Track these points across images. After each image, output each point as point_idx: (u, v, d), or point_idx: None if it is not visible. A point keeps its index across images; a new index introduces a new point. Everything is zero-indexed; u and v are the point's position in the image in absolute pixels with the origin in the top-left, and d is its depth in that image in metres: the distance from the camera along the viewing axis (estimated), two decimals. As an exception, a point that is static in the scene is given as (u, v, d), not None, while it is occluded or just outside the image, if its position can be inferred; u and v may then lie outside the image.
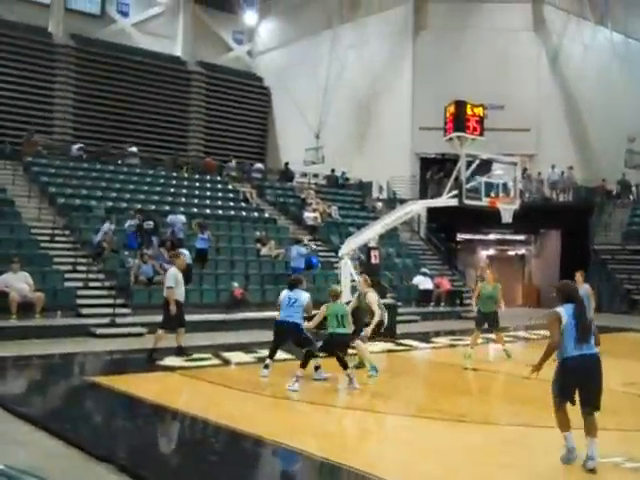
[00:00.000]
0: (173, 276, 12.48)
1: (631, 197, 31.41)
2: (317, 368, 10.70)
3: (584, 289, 13.56)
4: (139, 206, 21.65)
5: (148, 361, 12.01)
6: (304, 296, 10.63)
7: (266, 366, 10.75)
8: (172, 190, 24.79)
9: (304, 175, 31.50)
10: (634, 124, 32.74)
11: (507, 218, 16.10)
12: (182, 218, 20.43)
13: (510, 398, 10.04)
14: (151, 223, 19.32)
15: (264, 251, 21.23)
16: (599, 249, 28.51)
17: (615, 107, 32.01)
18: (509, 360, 13.23)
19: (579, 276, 14.07)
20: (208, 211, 23.56)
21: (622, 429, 8.29)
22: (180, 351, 12.49)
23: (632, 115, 32.54)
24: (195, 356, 12.63)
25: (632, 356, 14.29)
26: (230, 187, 27.01)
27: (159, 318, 12.56)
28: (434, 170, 29.19)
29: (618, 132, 32.43)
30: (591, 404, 6.48)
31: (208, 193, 25.74)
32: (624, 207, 30.77)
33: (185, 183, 26.18)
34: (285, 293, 10.75)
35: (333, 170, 31.55)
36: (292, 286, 10.81)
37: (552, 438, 7.45)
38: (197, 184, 26.47)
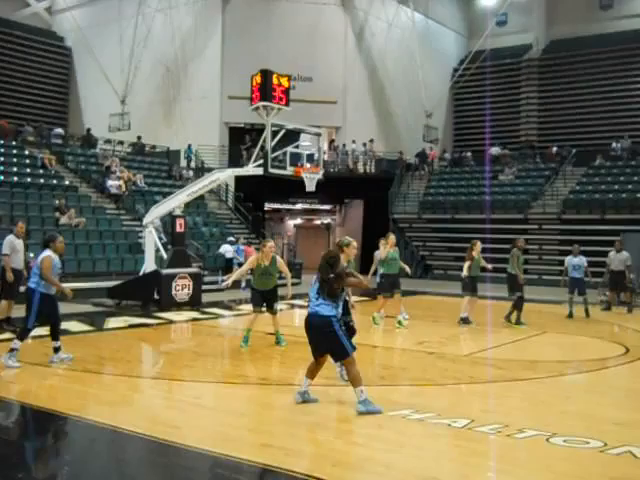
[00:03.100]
0: (9, 243, 12.14)
1: (426, 169, 33.36)
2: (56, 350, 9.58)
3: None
4: None
5: (11, 331, 11.54)
6: (40, 256, 9.59)
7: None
8: (-40, 154, 22.89)
9: (108, 142, 30.27)
10: (431, 100, 34.74)
11: (311, 187, 16.46)
12: None
13: (308, 360, 10.30)
14: None
15: (63, 220, 20.23)
16: (398, 218, 30.11)
17: (415, 83, 33.69)
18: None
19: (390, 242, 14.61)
20: (1, 177, 21.99)
21: (411, 384, 8.84)
22: (8, 322, 12.10)
23: (430, 92, 34.48)
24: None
25: (425, 317, 15.28)
26: (27, 152, 25.33)
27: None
28: (246, 139, 29.26)
29: (417, 107, 34.25)
30: None
31: (2, 158, 23.93)
32: (421, 179, 32.67)
33: (-25, 147, 24.22)
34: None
35: (139, 137, 30.61)
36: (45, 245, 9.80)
37: (345, 395, 7.79)
38: (-11, 148, 24.58)
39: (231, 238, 23.99)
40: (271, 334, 11.50)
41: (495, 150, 31.85)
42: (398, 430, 6.62)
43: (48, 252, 9.51)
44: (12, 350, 9.22)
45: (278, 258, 11.38)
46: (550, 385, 8.80)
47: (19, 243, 12.41)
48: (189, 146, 30.64)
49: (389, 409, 7.21)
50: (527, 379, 9.14)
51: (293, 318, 15.78)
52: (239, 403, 7.70)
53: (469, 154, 33.73)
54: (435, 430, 6.60)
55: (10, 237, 12.35)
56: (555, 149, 31.46)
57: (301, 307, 17.67)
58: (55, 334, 9.53)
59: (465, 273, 14.08)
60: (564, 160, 30.42)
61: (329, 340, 7.13)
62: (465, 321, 14.02)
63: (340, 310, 7.32)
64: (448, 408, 7.39)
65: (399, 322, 13.77)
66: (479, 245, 14.31)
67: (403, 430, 6.62)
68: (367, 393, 7.03)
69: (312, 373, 7.44)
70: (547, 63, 37.31)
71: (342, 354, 7.17)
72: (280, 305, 15.98)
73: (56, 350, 9.50)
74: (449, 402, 7.83)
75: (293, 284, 12.17)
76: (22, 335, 9.41)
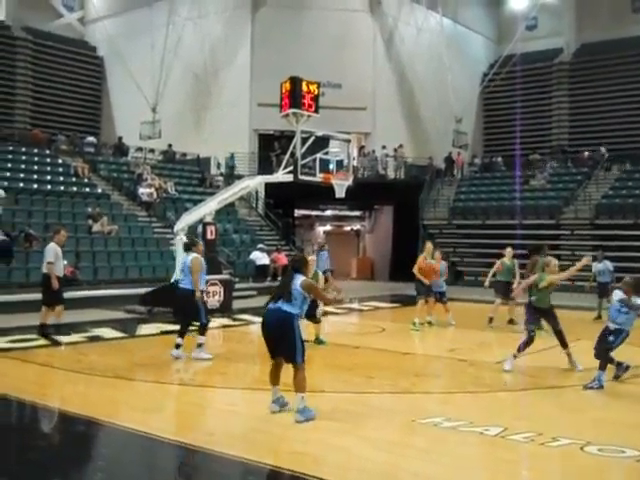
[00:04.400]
0: (53, 251, 12.11)
1: (455, 172, 33.22)
2: (200, 345, 10.57)
3: (443, 265, 15.42)
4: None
5: (44, 337, 11.92)
6: (189, 258, 10.62)
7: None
8: (-5, 163, 23.24)
9: (140, 150, 30.59)
10: (461, 105, 34.58)
11: (341, 193, 16.49)
12: (1, 193, 19.27)
13: (339, 367, 10.31)
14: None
15: (96, 227, 20.47)
16: (428, 224, 29.97)
17: (444, 89, 33.55)
18: (340, 331, 13.73)
19: (438, 254, 15.31)
20: (36, 186, 22.36)
21: (443, 392, 8.80)
22: (42, 328, 12.13)
23: (459, 97, 34.32)
24: (21, 337, 12.08)
25: (457, 324, 15.17)
26: (60, 161, 25.72)
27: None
28: (275, 146, 29.35)
29: (447, 112, 34.11)
30: None
31: (36, 167, 24.34)
32: (451, 184, 32.51)
33: (10, 156, 24.54)
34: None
35: (170, 145, 30.91)
36: (187, 249, 10.99)
37: (377, 403, 7.77)
38: (23, 157, 24.93)
39: (261, 245, 24.08)
40: (307, 341, 11.45)
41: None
42: (429, 438, 6.60)
43: (195, 254, 10.58)
44: (200, 345, 10.47)
45: (320, 273, 12.01)
46: (584, 393, 8.68)
47: (60, 251, 12.52)
48: (232, 155, 30.84)
49: (420, 417, 7.19)
50: (561, 387, 9.05)
51: (324, 325, 15.75)
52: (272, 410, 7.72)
53: (500, 159, 33.51)
54: (467, 438, 6.55)
55: (53, 245, 12.30)
56: (587, 153, 31.12)
57: (335, 314, 17.74)
58: (183, 332, 10.55)
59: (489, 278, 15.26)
60: (596, 164, 30.06)
61: (284, 338, 7.04)
62: (490, 321, 14.91)
63: (302, 311, 7.25)
64: (480, 416, 7.33)
65: (429, 323, 14.89)
66: (509, 251, 15.09)
67: (434, 438, 6.59)
68: (307, 401, 7.00)
69: (274, 379, 7.37)
70: (578, 67, 36.92)
71: (292, 358, 7.06)
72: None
73: (199, 345, 10.55)
74: (481, 410, 7.77)
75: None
76: (203, 330, 10.53)
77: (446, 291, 15.51)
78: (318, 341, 11.95)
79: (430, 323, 14.95)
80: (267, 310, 7.23)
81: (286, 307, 7.07)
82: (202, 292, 10.68)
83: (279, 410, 7.27)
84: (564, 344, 9.98)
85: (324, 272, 22.95)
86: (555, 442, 6.34)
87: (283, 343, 7.08)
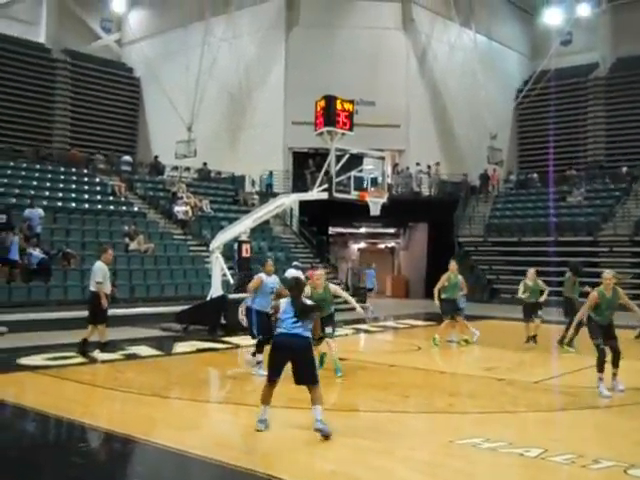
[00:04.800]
0: (101, 270, 12.17)
1: (490, 189, 33.01)
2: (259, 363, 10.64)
3: (460, 279, 14.93)
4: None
5: (82, 354, 12.01)
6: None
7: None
8: (35, 183, 23.62)
9: (175, 168, 30.92)
10: (495, 121, 34.41)
11: (375, 211, 16.47)
12: (40, 212, 19.58)
13: (374, 386, 10.22)
14: (3, 217, 18.27)
15: (133, 246, 20.68)
16: (463, 241, 29.78)
17: (478, 105, 33.44)
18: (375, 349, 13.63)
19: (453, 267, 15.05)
20: (74, 205, 22.69)
21: (481, 412, 8.67)
22: (103, 346, 12.20)
23: (494, 113, 34.16)
24: (60, 354, 12.20)
25: (493, 343, 15.00)
26: (97, 180, 26.10)
27: (21, 316, 12.05)
28: (309, 164, 29.46)
29: (481, 129, 33.97)
30: None
31: (74, 186, 24.73)
32: (486, 201, 32.28)
33: (49, 176, 25.00)
34: None
35: (205, 163, 31.19)
36: None
37: (413, 422, 7.68)
38: (62, 177, 25.35)
39: (296, 262, 24.05)
40: (342, 359, 11.37)
41: None
42: (467, 459, 6.49)
43: (260, 274, 11.20)
44: (259, 363, 10.57)
45: (331, 285, 11.61)
46: (625, 414, 8.50)
47: (107, 269, 12.50)
48: (270, 173, 31.03)
49: (458, 437, 7.08)
50: (601, 407, 8.87)
51: (359, 343, 15.74)
52: (306, 428, 7.67)
53: (535, 175, 33.22)
54: (507, 460, 6.43)
55: (100, 264, 12.34)
56: (625, 169, 30.70)
57: (366, 332, 17.67)
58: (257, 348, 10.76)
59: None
60: (635, 180, 29.62)
61: (308, 363, 7.15)
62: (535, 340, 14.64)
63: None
64: (520, 437, 7.21)
65: (465, 341, 14.82)
66: (530, 272, 14.84)
67: (472, 459, 6.49)
68: None
69: (269, 398, 7.41)
70: (614, 82, 36.48)
71: (314, 379, 7.11)
72: (346, 330, 16.11)
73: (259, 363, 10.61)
74: (521, 431, 7.64)
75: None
76: (259, 348, 10.67)
77: (463, 308, 15.13)
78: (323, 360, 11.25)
79: (467, 341, 14.80)
80: (287, 335, 7.20)
81: (305, 332, 7.17)
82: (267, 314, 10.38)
83: (264, 429, 7.27)
84: (616, 363, 9.74)
85: (369, 290, 23.39)
86: (597, 464, 6.20)
87: (306, 368, 7.16)
